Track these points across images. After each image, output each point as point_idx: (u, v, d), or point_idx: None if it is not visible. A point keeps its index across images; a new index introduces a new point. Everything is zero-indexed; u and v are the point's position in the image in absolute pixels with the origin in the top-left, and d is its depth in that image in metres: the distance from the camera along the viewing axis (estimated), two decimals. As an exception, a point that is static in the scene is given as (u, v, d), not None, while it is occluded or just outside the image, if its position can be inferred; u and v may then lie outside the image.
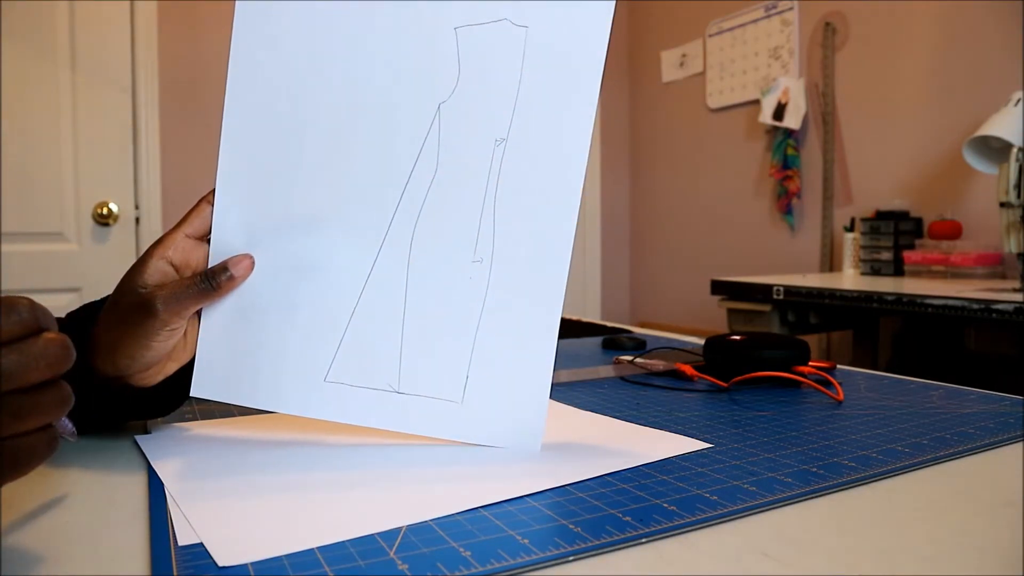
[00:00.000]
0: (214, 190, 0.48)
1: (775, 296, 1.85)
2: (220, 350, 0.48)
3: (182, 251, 0.48)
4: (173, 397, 0.52)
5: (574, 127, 0.46)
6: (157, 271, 0.46)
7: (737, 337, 0.71)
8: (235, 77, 0.47)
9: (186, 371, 0.49)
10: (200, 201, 0.49)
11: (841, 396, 0.61)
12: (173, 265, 0.47)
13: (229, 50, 0.47)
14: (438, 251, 0.47)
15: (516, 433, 0.47)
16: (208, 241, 0.48)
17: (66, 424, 0.35)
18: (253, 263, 0.48)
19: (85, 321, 0.49)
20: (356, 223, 0.47)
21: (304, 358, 0.48)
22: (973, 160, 1.86)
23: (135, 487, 0.41)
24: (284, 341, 0.48)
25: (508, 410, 0.47)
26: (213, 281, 0.46)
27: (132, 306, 0.45)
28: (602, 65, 0.45)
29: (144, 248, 2.55)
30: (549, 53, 0.46)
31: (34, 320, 0.31)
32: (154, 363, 0.47)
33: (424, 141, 0.47)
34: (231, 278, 0.47)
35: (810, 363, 0.69)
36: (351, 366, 0.47)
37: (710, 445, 0.48)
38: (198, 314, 0.48)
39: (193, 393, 0.49)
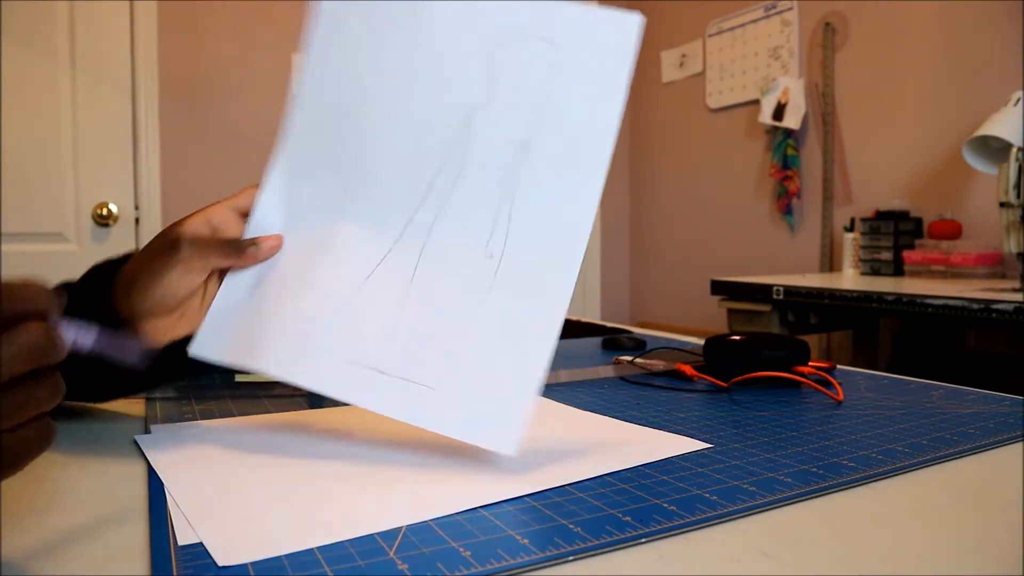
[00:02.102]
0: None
1: (775, 296, 1.85)
2: (227, 315, 0.51)
3: (224, 219, 0.52)
4: (170, 369, 0.53)
5: (596, 141, 0.47)
6: (196, 226, 0.51)
7: (737, 337, 0.71)
8: (308, 76, 0.51)
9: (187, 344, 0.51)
10: (248, 187, 0.53)
11: (841, 396, 0.61)
12: (212, 227, 0.51)
13: (303, 51, 0.51)
14: (452, 245, 0.49)
15: (492, 432, 0.45)
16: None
17: (82, 333, 0.34)
18: (280, 244, 0.51)
19: (115, 265, 0.52)
20: (382, 214, 0.50)
21: (298, 328, 0.49)
22: (973, 160, 1.86)
23: (135, 487, 0.41)
24: (286, 310, 0.49)
25: (488, 407, 0.46)
26: (238, 246, 0.50)
27: (160, 244, 0.50)
28: (628, 81, 0.47)
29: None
30: (578, 69, 0.47)
31: (14, 309, 0.30)
32: (166, 305, 0.49)
33: (453, 144, 0.49)
34: (256, 251, 0.50)
35: (810, 363, 0.69)
36: (342, 341, 0.48)
37: (710, 445, 0.48)
38: (219, 281, 0.51)
39: (192, 351, 0.50)
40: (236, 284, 0.51)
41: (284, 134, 0.52)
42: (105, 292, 0.49)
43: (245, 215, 0.52)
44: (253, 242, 0.50)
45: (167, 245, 0.49)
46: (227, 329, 0.50)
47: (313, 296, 0.49)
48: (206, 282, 0.51)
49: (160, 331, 0.50)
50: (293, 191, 0.52)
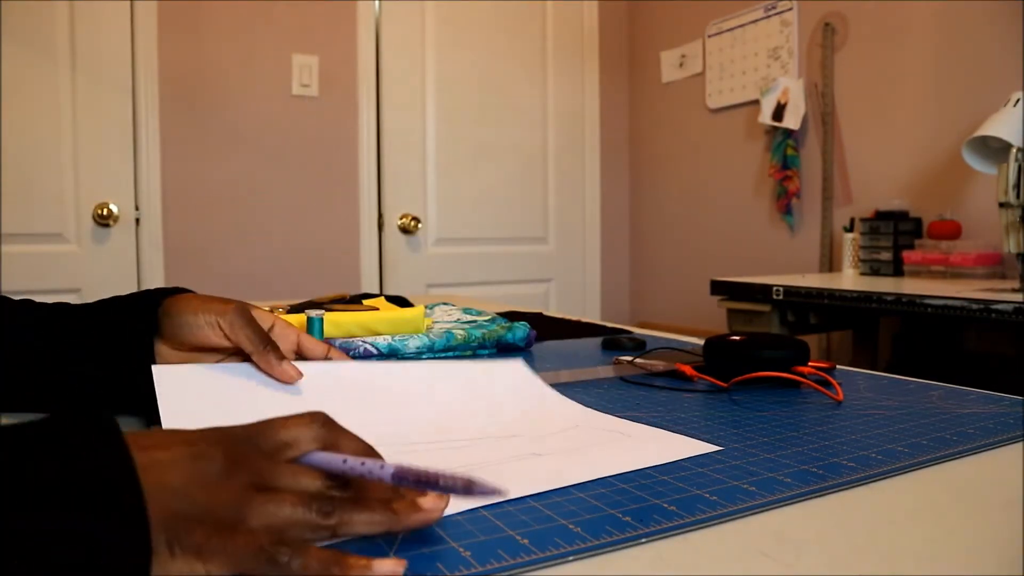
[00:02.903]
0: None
1: (775, 296, 1.85)
2: (206, 373, 0.53)
3: (286, 333, 0.58)
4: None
5: None
6: (261, 313, 0.56)
7: (737, 337, 0.71)
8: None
9: None
10: (334, 352, 0.59)
11: (841, 396, 0.61)
12: (272, 329, 0.57)
13: None
14: None
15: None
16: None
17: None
18: (294, 379, 0.53)
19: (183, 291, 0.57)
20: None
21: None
22: (972, 160, 1.86)
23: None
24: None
25: None
26: (266, 346, 0.52)
27: (229, 299, 0.55)
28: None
29: (143, 249, 2.52)
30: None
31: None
32: (181, 336, 0.52)
33: None
34: (270, 360, 0.52)
35: (810, 363, 0.69)
36: None
37: (719, 448, 0.48)
38: (240, 361, 0.54)
39: (156, 367, 0.50)
40: (242, 370, 0.53)
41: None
42: (156, 298, 0.54)
43: (303, 356, 0.58)
44: (279, 356, 0.52)
45: (229, 300, 0.53)
46: (195, 377, 0.51)
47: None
48: (228, 353, 0.55)
49: (163, 356, 0.53)
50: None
